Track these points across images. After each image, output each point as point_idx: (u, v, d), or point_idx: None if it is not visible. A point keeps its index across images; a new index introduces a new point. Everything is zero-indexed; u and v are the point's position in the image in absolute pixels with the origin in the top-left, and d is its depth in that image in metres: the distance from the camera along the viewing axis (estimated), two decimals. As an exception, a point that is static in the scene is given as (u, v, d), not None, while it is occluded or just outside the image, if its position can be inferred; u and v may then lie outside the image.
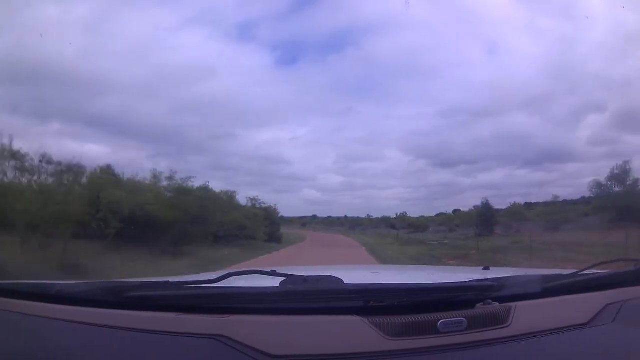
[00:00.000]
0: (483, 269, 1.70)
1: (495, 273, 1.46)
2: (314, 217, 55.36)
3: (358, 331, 0.94)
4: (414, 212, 43.61)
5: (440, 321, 0.97)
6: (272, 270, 1.11)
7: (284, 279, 1.03)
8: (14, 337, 1.00)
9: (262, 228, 24.75)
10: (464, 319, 0.98)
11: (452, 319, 0.98)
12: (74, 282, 1.22)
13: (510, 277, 1.21)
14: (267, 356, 0.87)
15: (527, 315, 1.04)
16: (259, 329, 0.94)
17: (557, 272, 1.35)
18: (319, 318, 0.98)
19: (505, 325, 1.00)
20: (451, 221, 37.58)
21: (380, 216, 47.31)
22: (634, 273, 1.28)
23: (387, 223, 44.35)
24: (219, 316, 0.97)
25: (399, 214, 44.76)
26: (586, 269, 1.36)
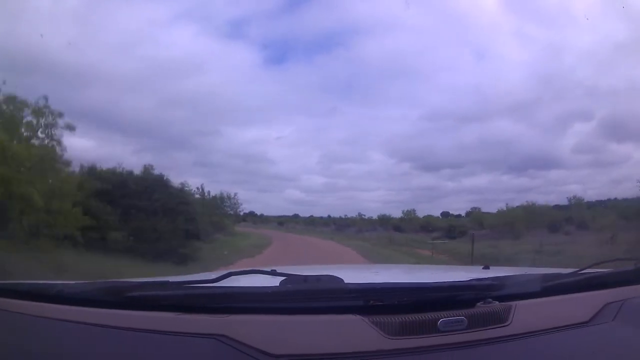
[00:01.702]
0: (483, 268, 1.70)
1: (495, 272, 1.47)
2: (296, 216, 51.17)
3: (358, 330, 0.94)
4: (398, 215, 39.18)
5: (441, 320, 0.97)
6: (272, 270, 1.11)
7: (284, 278, 1.03)
8: (14, 337, 1.00)
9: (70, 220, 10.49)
10: (464, 318, 0.98)
11: (452, 318, 0.98)
12: (74, 282, 1.22)
13: (510, 276, 1.21)
14: (267, 355, 0.87)
15: (527, 314, 1.04)
16: (260, 329, 0.94)
17: (557, 271, 1.35)
18: (319, 317, 0.98)
19: (505, 324, 1.00)
20: (522, 221, 23.85)
21: (374, 216, 40.60)
22: (633, 272, 1.28)
23: (385, 223, 37.53)
24: (219, 316, 0.97)
25: (406, 211, 36.97)
26: (586, 268, 1.36)
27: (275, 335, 0.92)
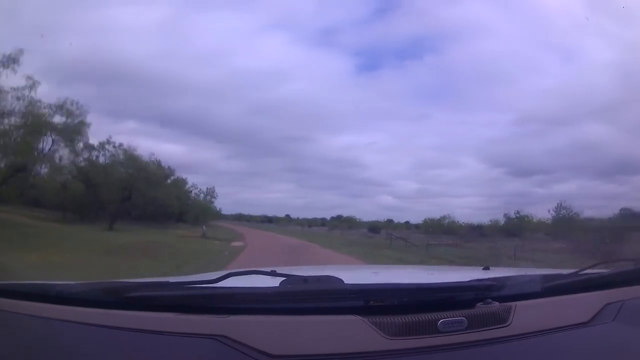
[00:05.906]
0: (483, 269, 1.70)
1: (495, 273, 1.47)
2: (389, 221, 46.93)
3: (358, 331, 0.94)
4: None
5: (441, 321, 0.97)
6: (272, 270, 1.11)
7: (283, 279, 1.03)
8: (14, 337, 1.00)
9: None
10: (464, 319, 0.98)
11: (452, 319, 0.98)
12: (74, 282, 1.22)
13: (510, 276, 1.21)
14: (267, 356, 0.87)
15: (527, 315, 1.04)
16: (259, 329, 0.94)
17: (557, 272, 1.35)
18: (319, 318, 0.98)
19: (505, 324, 1.00)
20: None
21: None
22: (633, 272, 1.28)
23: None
24: (219, 316, 0.97)
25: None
26: (586, 269, 1.36)
27: (275, 335, 0.92)
